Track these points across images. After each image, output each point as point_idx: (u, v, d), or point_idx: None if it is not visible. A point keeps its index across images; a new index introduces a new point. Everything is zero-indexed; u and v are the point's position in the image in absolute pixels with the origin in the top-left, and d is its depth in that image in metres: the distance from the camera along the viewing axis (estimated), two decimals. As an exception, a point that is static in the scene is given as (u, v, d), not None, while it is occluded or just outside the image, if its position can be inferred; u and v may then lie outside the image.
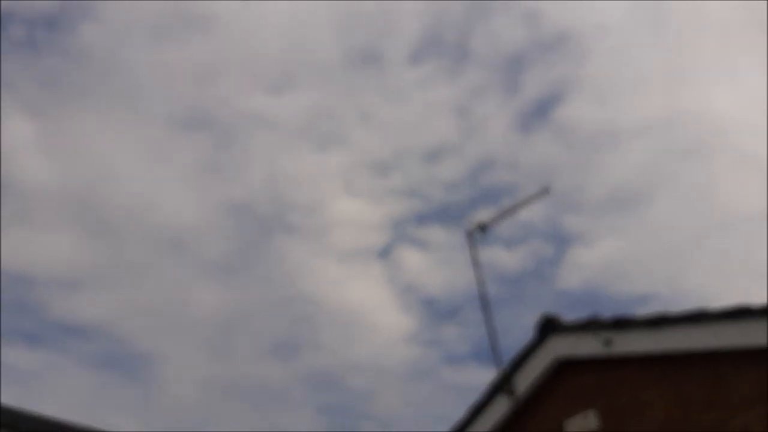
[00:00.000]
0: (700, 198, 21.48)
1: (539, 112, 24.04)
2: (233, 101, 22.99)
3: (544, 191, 6.51)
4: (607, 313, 5.48)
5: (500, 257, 19.98)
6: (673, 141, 21.37)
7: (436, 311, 23.44)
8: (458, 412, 6.26)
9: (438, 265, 21.61)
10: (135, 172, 21.43)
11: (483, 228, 6.68)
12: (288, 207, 23.25)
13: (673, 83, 21.24)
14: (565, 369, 5.68)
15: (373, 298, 23.42)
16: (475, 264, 6.65)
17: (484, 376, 6.23)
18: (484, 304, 6.36)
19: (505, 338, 6.44)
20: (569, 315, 5.81)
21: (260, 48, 22.45)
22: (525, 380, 5.87)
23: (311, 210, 23.62)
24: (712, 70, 21.51)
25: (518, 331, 5.84)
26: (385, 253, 23.62)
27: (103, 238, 21.63)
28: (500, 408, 5.92)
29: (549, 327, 5.80)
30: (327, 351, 22.65)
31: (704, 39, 21.52)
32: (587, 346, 5.45)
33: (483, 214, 6.77)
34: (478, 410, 6.09)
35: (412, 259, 23.35)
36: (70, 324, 22.76)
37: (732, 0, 20.44)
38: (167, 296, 22.20)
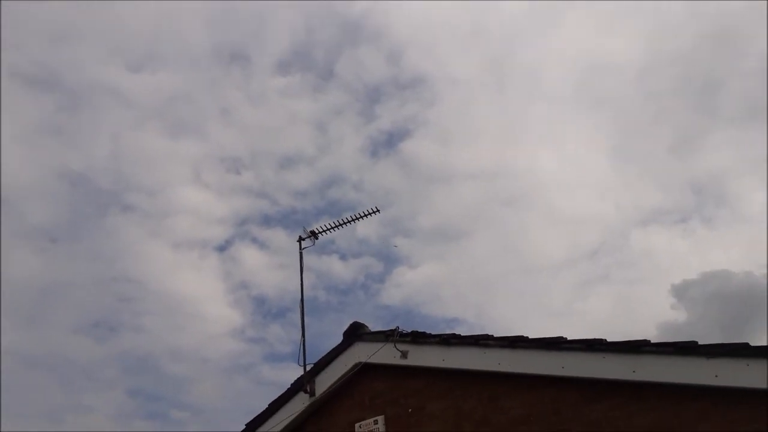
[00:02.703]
0: (512, 243, 23.84)
1: (388, 143, 25.32)
2: (88, 68, 21.68)
3: (375, 211, 6.92)
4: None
5: (336, 268, 20.65)
6: (497, 189, 23.63)
7: (266, 310, 23.54)
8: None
9: (275, 267, 21.76)
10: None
11: (314, 235, 6.94)
12: (128, 186, 22.25)
13: (505, 139, 23.51)
14: (364, 375, 5.98)
15: (204, 290, 23.00)
16: (301, 268, 6.89)
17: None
18: (302, 307, 6.60)
19: (325, 342, 6.72)
20: (384, 327, 6.18)
21: (128, 21, 21.42)
22: (326, 381, 6.11)
23: (153, 193, 22.79)
24: (539, 133, 24.06)
25: (338, 337, 6.14)
26: (224, 248, 23.30)
27: None
28: (299, 405, 6.14)
29: (355, 334, 6.14)
30: (147, 335, 21.95)
31: (538, 105, 24.03)
32: (386, 356, 5.77)
33: (321, 225, 7.07)
34: (277, 406, 6.26)
35: (250, 258, 23.28)
36: None
37: (565, 76, 23.04)
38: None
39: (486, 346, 5.23)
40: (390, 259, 23.66)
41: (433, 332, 5.65)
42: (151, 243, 22.66)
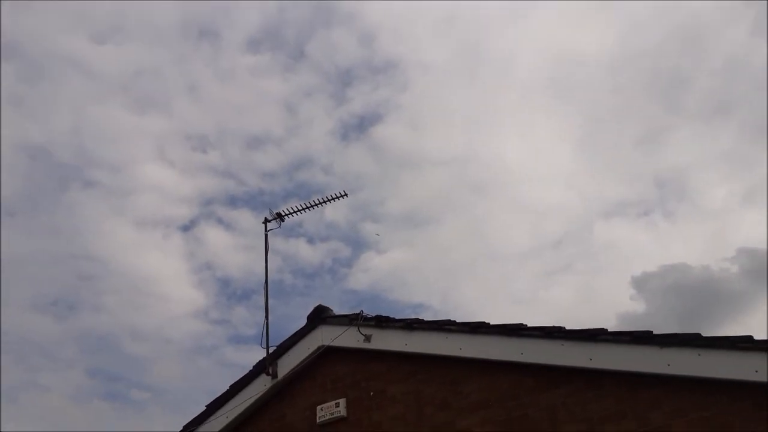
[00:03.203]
0: (478, 230, 24.12)
1: (360, 126, 25.23)
2: (50, 38, 21.04)
3: (343, 194, 6.89)
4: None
5: (303, 251, 20.59)
6: (465, 176, 23.83)
7: (231, 292, 23.38)
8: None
9: (241, 249, 21.58)
10: None
11: (280, 217, 6.89)
12: (91, 161, 21.77)
13: (475, 127, 23.66)
14: (327, 358, 6.02)
15: (168, 270, 22.73)
16: (266, 250, 6.84)
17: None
18: (266, 289, 6.56)
19: (289, 325, 6.70)
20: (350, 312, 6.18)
21: (93, -10, 20.79)
22: (289, 364, 6.12)
23: (116, 169, 22.31)
24: (509, 122, 24.29)
25: (303, 320, 6.14)
26: (188, 228, 23.02)
27: None
28: (260, 387, 6.14)
29: (319, 317, 6.15)
30: (108, 314, 21.66)
31: (508, 94, 24.24)
32: (350, 339, 5.82)
33: (288, 207, 7.01)
34: (238, 387, 6.25)
35: (215, 238, 23.05)
36: None
37: (536, 66, 23.27)
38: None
39: (448, 331, 5.31)
40: (358, 244, 23.71)
41: (398, 317, 5.70)
42: (113, 220, 22.24)
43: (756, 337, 3.98)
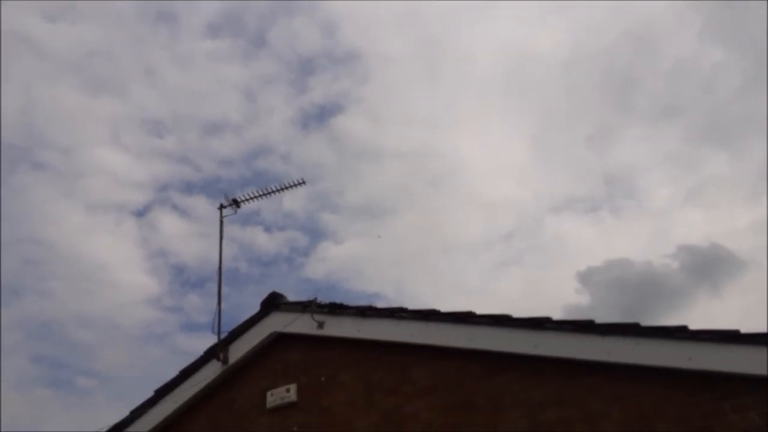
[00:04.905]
0: (434, 222, 24.46)
1: (320, 116, 25.18)
2: (-2, 13, 20.28)
3: (301, 182, 6.91)
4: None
5: (259, 239, 20.49)
6: (423, 170, 24.09)
7: (185, 279, 23.03)
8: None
9: (196, 236, 21.29)
10: None
11: (236, 203, 6.87)
12: (40, 143, 21.09)
13: (434, 122, 23.92)
14: (279, 344, 6.04)
15: (119, 256, 22.22)
16: (221, 236, 6.81)
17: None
18: (220, 274, 6.54)
19: (244, 313, 6.67)
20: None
21: (46, -35, 20.17)
22: (241, 350, 6.13)
23: (66, 151, 21.72)
24: (467, 118, 24.66)
25: (257, 308, 6.11)
26: (142, 213, 22.58)
27: None
28: (211, 373, 6.12)
29: (272, 304, 6.16)
30: (53, 300, 21.06)
31: (467, 91, 24.58)
32: (303, 326, 5.85)
33: (245, 193, 6.97)
34: (188, 373, 6.22)
35: (170, 225, 22.67)
36: None
37: (495, 64, 23.68)
38: None
39: (400, 318, 5.40)
40: (315, 234, 23.70)
41: (345, 302, 5.76)
42: (62, 204, 21.64)
43: (691, 328, 4.18)
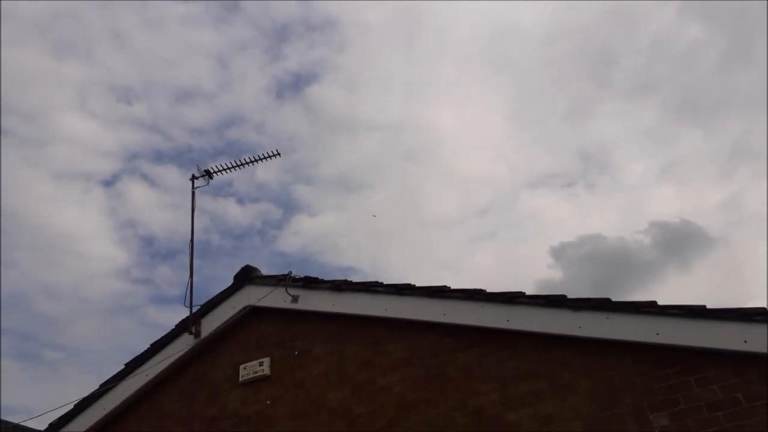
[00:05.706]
0: (409, 197, 24.49)
1: (295, 85, 24.82)
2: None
3: (275, 154, 6.82)
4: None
5: (232, 211, 20.28)
6: (399, 143, 24.02)
7: (155, 251, 22.78)
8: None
9: (166, 207, 21.02)
10: None
11: (208, 174, 6.77)
12: (4, 108, 20.50)
13: (411, 93, 23.77)
14: (253, 318, 6.02)
15: (87, 226, 21.87)
16: (193, 208, 6.71)
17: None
18: (192, 246, 6.46)
19: (216, 286, 6.63)
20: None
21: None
22: (213, 323, 6.09)
23: (31, 117, 21.15)
24: (445, 90, 24.55)
25: (230, 281, 6.06)
26: (110, 183, 22.16)
27: None
28: (182, 346, 6.08)
29: (246, 277, 6.12)
30: (19, 271, 20.69)
31: (446, 63, 24.44)
32: (277, 300, 5.84)
33: (217, 164, 6.86)
34: (159, 346, 6.17)
35: (139, 195, 22.32)
36: None
37: (473, 36, 23.55)
38: None
39: (375, 292, 5.41)
40: (289, 207, 23.53)
41: (319, 276, 5.75)
42: (27, 172, 21.14)
43: (660, 303, 4.27)
